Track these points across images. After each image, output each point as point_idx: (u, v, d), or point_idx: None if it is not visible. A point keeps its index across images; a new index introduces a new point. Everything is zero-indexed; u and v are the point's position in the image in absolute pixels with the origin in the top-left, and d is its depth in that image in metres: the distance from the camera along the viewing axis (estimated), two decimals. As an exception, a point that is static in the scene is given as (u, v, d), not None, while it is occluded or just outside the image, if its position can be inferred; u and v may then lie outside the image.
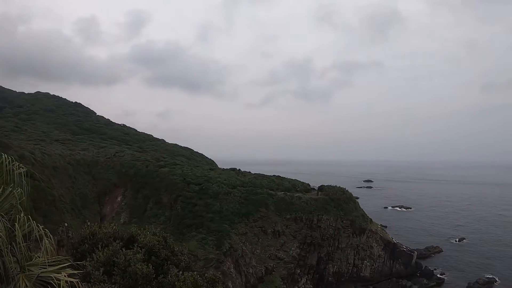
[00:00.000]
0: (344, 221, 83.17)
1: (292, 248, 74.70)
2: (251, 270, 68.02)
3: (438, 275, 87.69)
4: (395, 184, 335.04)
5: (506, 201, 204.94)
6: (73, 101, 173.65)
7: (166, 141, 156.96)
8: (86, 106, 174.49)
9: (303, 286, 72.93)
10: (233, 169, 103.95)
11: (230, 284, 62.41)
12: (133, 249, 8.00)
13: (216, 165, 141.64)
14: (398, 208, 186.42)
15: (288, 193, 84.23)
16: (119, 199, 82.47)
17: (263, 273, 69.35)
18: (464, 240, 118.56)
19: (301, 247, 76.38)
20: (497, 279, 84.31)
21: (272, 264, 71.07)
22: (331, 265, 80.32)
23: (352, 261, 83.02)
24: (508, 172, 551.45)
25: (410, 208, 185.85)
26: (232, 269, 64.69)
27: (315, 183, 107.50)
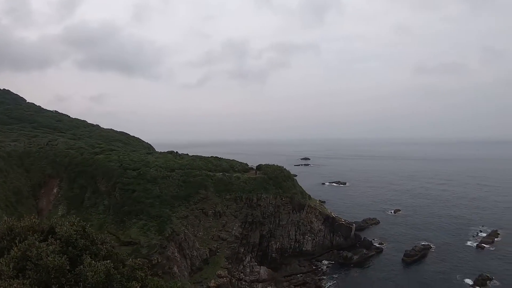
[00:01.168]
0: (283, 199, 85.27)
1: (234, 228, 75.64)
2: (195, 253, 68.19)
3: (377, 245, 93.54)
4: (331, 161, 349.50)
5: (430, 175, 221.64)
6: (1, 88, 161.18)
7: (101, 126, 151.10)
8: (15, 93, 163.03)
9: (247, 264, 74.30)
10: (171, 152, 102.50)
11: (175, 269, 62.27)
12: (48, 241, 7.73)
13: (153, 149, 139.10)
14: (334, 184, 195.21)
15: (227, 174, 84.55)
16: (55, 190, 78.33)
17: (208, 254, 69.80)
18: (399, 212, 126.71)
19: (243, 226, 77.55)
20: (431, 245, 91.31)
21: (215, 245, 71.64)
22: (273, 242, 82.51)
23: (294, 237, 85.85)
24: (434, 148, 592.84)
25: (345, 183, 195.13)
26: (176, 254, 64.49)
27: (253, 163, 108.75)
